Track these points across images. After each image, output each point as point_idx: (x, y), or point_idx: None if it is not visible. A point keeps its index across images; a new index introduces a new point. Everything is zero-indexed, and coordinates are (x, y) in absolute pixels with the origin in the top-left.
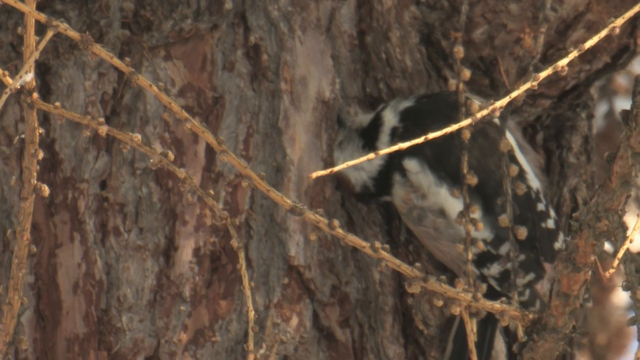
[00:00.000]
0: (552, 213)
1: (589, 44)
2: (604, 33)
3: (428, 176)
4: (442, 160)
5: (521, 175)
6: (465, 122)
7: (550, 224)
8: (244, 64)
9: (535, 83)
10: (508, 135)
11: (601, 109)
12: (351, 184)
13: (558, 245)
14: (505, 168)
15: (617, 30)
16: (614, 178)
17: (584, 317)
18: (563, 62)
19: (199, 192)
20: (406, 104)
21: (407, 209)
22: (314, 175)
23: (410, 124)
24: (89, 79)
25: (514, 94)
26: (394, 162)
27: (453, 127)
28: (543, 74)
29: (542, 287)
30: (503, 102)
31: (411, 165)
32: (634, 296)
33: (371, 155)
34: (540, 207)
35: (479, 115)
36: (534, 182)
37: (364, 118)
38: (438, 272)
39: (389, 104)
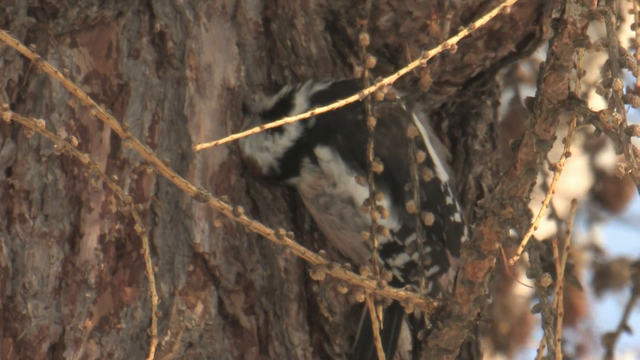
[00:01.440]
0: (458, 207)
1: (479, 22)
2: (495, 12)
3: (339, 165)
4: (355, 149)
5: (430, 166)
6: (352, 98)
7: (457, 217)
8: (150, 51)
9: (424, 60)
10: (419, 126)
11: (506, 97)
12: (258, 166)
13: (464, 238)
14: (413, 154)
15: (508, 10)
16: (519, 165)
17: (488, 306)
18: (453, 40)
19: (103, 177)
20: (319, 87)
21: (313, 195)
22: (198, 147)
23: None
24: None
25: (402, 71)
26: (304, 147)
27: (340, 103)
28: (432, 52)
29: (446, 280)
30: (391, 79)
31: (323, 153)
32: (538, 284)
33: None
34: (449, 200)
35: (366, 92)
36: (443, 174)
37: (267, 101)
38: (342, 260)
39: (299, 87)
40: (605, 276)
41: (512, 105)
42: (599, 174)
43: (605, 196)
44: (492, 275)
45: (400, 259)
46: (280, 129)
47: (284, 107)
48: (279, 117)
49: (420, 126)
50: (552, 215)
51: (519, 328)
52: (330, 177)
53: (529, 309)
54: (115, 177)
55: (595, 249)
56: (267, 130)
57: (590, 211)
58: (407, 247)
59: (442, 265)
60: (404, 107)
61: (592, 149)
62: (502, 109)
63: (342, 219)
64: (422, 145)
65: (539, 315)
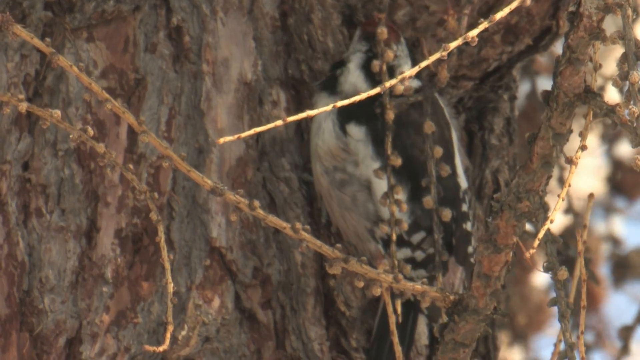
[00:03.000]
0: (471, 216)
1: (499, 15)
2: (515, 4)
3: (368, 147)
4: (394, 141)
5: (451, 164)
6: (373, 91)
7: (469, 226)
8: (166, 45)
9: (445, 53)
10: (452, 125)
11: (523, 89)
12: None
13: (470, 249)
14: (430, 150)
15: (528, 2)
16: (535, 159)
17: (506, 298)
18: (473, 32)
19: (119, 166)
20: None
21: (331, 165)
22: (221, 141)
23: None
24: (11, 61)
25: (422, 64)
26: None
27: (362, 96)
28: (452, 45)
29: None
30: (412, 71)
31: (355, 131)
32: (555, 277)
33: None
34: (464, 207)
35: (387, 85)
36: (464, 181)
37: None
38: (344, 244)
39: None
40: (624, 267)
41: (530, 97)
42: (616, 165)
43: (623, 186)
44: (509, 268)
45: (402, 253)
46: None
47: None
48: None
49: (454, 132)
50: (569, 209)
51: (536, 317)
52: (355, 155)
53: (546, 298)
54: (131, 166)
55: (614, 240)
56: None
57: (607, 202)
58: (412, 244)
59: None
60: (424, 101)
61: (610, 139)
62: (519, 102)
63: (354, 201)
64: (451, 155)
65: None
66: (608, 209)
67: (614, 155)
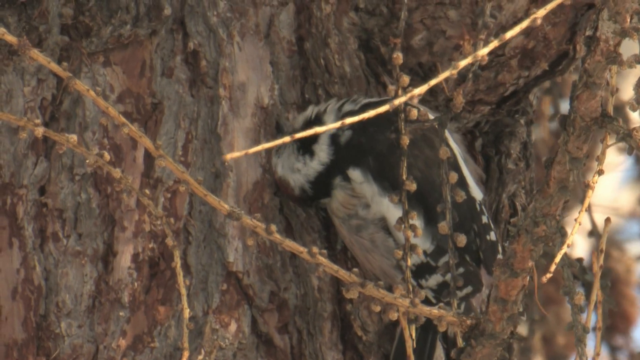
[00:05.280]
0: (492, 225)
1: (509, 34)
2: (525, 24)
3: (372, 186)
4: (386, 171)
5: (463, 186)
6: (382, 109)
7: (493, 236)
8: (183, 69)
9: (454, 71)
10: (453, 145)
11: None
12: (290, 187)
13: (500, 256)
14: (445, 175)
15: (539, 22)
16: (552, 183)
17: (541, 319)
18: (483, 51)
19: (135, 191)
20: (349, 107)
21: (345, 214)
22: (229, 157)
23: (355, 132)
24: (28, 85)
25: (432, 82)
26: (335, 168)
27: (371, 113)
28: (462, 63)
29: (479, 300)
30: (422, 89)
31: (355, 175)
32: (571, 301)
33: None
34: (484, 219)
35: (397, 102)
36: (477, 193)
37: (294, 121)
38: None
39: (327, 107)
40: None
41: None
42: None
43: None
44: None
45: (433, 280)
46: (310, 153)
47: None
48: (308, 138)
49: (454, 146)
50: (593, 232)
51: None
52: (363, 197)
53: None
54: (147, 191)
55: None
56: (298, 152)
57: None
58: (440, 268)
59: (475, 286)
60: (436, 127)
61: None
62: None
63: (373, 242)
64: (455, 166)
65: (591, 322)
66: None
67: None
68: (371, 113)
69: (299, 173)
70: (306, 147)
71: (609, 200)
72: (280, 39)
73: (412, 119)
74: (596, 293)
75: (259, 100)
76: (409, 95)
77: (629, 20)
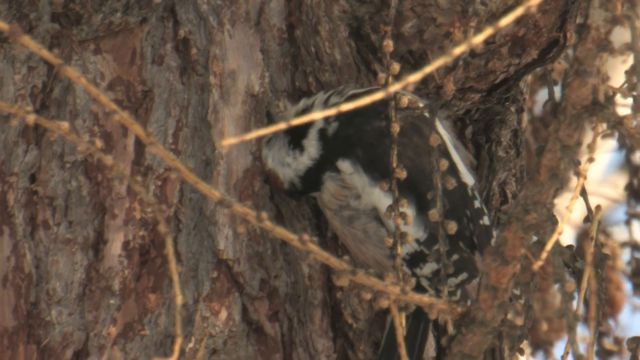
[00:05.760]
0: (485, 209)
1: (504, 22)
2: (520, 11)
3: (362, 177)
4: (376, 162)
5: (454, 173)
6: (377, 96)
7: (486, 220)
8: (173, 57)
9: (449, 59)
10: (442, 131)
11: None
12: (279, 180)
13: (494, 240)
14: (435, 162)
15: (533, 9)
16: (543, 171)
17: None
18: (478, 39)
19: (127, 179)
20: (334, 100)
21: (337, 206)
22: (225, 143)
23: (342, 123)
24: (18, 73)
25: (427, 69)
26: (325, 163)
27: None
28: (457, 50)
29: (474, 287)
30: (416, 77)
31: (345, 166)
32: (562, 289)
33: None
34: (477, 204)
35: (392, 90)
36: (469, 178)
37: (287, 114)
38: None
39: (315, 101)
40: None
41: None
42: (635, 171)
43: None
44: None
45: (428, 268)
46: (300, 148)
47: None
48: (300, 130)
49: (443, 133)
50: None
51: (559, 321)
52: (354, 188)
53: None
54: (139, 178)
55: (634, 245)
56: (289, 146)
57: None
58: (431, 255)
59: (470, 272)
60: (427, 114)
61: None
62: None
63: (366, 233)
64: (445, 153)
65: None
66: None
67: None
68: (364, 101)
69: (289, 167)
70: (296, 141)
71: (595, 185)
72: (271, 26)
73: (402, 107)
74: (587, 281)
75: (250, 88)
76: (403, 83)
77: (620, 7)
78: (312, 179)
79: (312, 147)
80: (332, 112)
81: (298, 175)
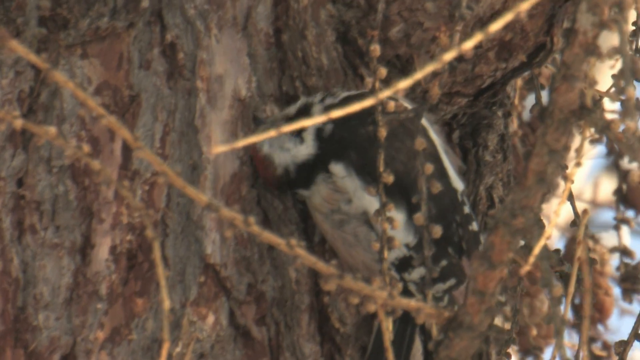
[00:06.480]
0: (474, 215)
1: (494, 27)
2: (509, 16)
3: (354, 180)
4: (368, 165)
5: (444, 178)
6: (366, 103)
7: (475, 226)
8: (160, 62)
9: (440, 65)
10: (433, 136)
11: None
12: (273, 165)
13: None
14: (421, 166)
15: (523, 15)
16: (530, 175)
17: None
18: (468, 44)
19: (114, 184)
20: (329, 101)
21: (328, 210)
22: (214, 150)
23: (337, 126)
24: (5, 77)
25: (416, 75)
26: (319, 162)
27: (356, 107)
28: (447, 56)
29: (461, 292)
30: (406, 83)
31: (337, 169)
32: (550, 294)
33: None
34: (466, 209)
35: (381, 96)
36: (459, 184)
37: (288, 110)
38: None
39: (314, 101)
40: (634, 278)
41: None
42: (624, 175)
43: (630, 197)
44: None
45: (416, 273)
46: (301, 138)
47: (304, 116)
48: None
49: (434, 137)
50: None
51: (548, 327)
52: (345, 192)
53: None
54: (126, 183)
55: (623, 250)
56: (291, 133)
57: (616, 213)
58: (416, 259)
59: (458, 278)
60: (413, 118)
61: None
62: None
63: (356, 237)
64: (436, 157)
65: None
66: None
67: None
68: (357, 106)
69: (288, 152)
70: (297, 131)
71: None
72: (258, 31)
73: (389, 111)
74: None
75: (237, 93)
76: (393, 89)
77: (607, 12)
78: (305, 172)
79: (310, 142)
80: (323, 118)
81: (295, 162)
